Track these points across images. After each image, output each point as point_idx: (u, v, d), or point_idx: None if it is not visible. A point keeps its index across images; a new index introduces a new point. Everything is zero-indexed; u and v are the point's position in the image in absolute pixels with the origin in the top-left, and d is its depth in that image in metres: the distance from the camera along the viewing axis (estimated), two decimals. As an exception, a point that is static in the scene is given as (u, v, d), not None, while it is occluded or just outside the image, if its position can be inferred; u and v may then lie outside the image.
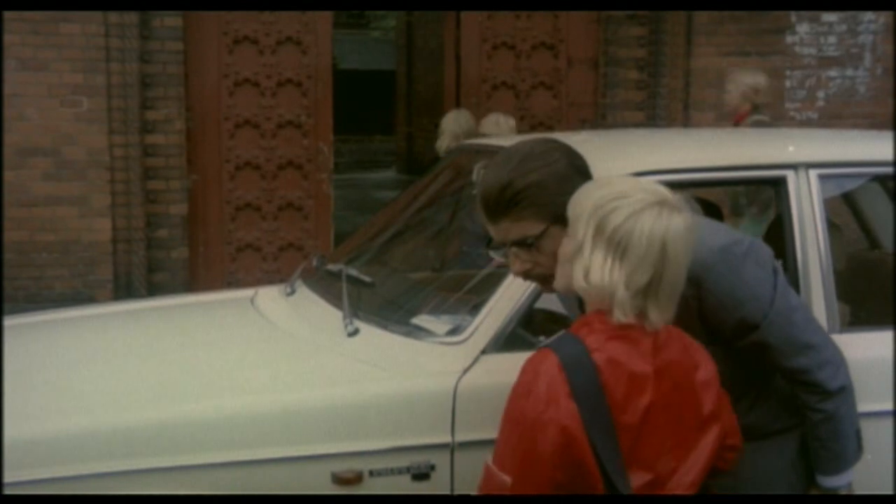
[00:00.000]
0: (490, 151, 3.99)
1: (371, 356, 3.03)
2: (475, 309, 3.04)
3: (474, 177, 3.94)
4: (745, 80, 6.05)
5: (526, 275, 2.35)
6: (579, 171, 2.31)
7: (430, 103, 12.82)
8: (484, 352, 2.94)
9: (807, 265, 3.13)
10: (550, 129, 7.71)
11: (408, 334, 3.09)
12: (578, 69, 7.78)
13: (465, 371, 2.90)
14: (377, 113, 8.74)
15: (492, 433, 2.80)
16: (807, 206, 3.17)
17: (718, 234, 2.46)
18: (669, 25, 7.49)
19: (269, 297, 3.86)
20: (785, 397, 2.58)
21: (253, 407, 2.84)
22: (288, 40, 7.29)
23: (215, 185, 7.25)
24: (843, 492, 2.60)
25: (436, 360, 2.95)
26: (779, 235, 3.38)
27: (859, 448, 2.61)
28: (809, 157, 3.26)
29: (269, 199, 7.35)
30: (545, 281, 2.31)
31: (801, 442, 2.60)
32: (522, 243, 2.28)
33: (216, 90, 7.19)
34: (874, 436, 3.06)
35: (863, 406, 3.00)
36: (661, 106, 7.59)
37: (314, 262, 3.98)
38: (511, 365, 2.89)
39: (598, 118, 7.77)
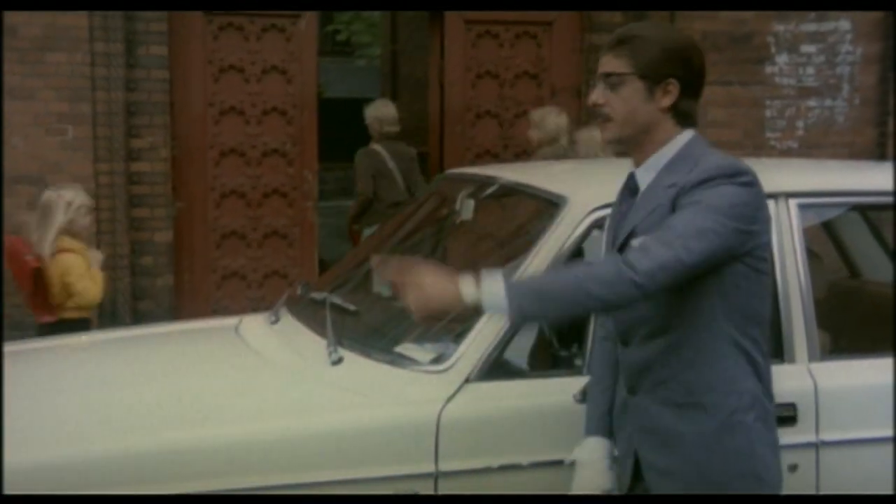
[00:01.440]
0: (474, 181, 4.04)
1: (355, 384, 3.05)
2: (459, 337, 3.08)
3: (458, 205, 3.99)
4: (555, 120, 6.52)
5: (594, 105, 2.57)
6: (691, 68, 2.50)
7: (414, 131, 12.84)
8: (468, 380, 2.97)
9: (787, 293, 3.19)
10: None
11: (391, 362, 3.12)
12: (562, 98, 7.79)
13: (449, 400, 2.93)
14: (362, 140, 8.80)
15: (476, 462, 2.88)
16: (787, 235, 3.24)
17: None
18: (652, 55, 7.54)
19: (253, 325, 3.88)
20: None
21: (236, 436, 2.85)
22: (273, 69, 7.32)
23: (200, 213, 7.26)
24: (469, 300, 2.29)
25: (419, 389, 2.98)
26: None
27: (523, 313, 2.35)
28: (789, 187, 3.33)
29: (255, 227, 7.37)
30: (606, 120, 2.55)
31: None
32: (607, 77, 2.52)
33: (202, 118, 7.22)
34: (850, 463, 3.10)
35: (848, 434, 3.06)
36: (644, 134, 7.62)
37: (298, 290, 4.02)
38: (495, 393, 2.96)
39: (580, 147, 7.79)
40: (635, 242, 2.45)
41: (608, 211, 3.08)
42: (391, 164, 7.43)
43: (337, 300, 3.60)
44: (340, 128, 8.94)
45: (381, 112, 7.59)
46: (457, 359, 3.01)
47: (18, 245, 5.18)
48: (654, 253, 2.30)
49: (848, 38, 7.70)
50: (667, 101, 2.49)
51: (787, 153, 7.50)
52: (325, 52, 17.65)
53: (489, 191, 3.86)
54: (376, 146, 7.51)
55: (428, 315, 2.34)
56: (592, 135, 6.40)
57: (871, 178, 3.79)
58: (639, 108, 2.50)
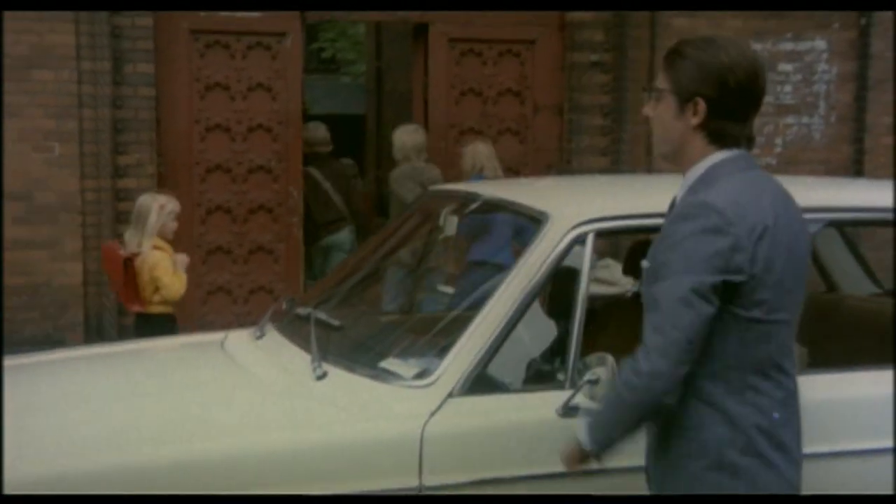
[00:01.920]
0: (457, 197, 4.09)
1: (339, 399, 3.07)
2: (442, 352, 3.10)
3: (441, 221, 4.05)
4: (402, 138, 6.77)
5: (646, 115, 2.62)
6: (725, 88, 2.45)
7: (399, 147, 12.91)
8: (451, 395, 2.99)
9: None
10: (517, 173, 7.78)
11: (375, 377, 3.14)
12: (544, 115, 7.89)
13: (433, 414, 2.95)
14: (347, 156, 8.89)
15: (459, 477, 2.89)
16: None
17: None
18: (632, 73, 7.63)
19: (238, 340, 3.89)
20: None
21: (221, 451, 2.87)
22: (259, 86, 7.37)
23: (186, 229, 7.25)
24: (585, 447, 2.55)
25: (403, 404, 3.00)
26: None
27: (597, 442, 2.53)
28: None
29: (240, 243, 7.41)
30: (655, 128, 2.60)
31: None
32: (653, 89, 2.55)
33: (188, 135, 7.27)
34: (824, 476, 3.15)
35: (824, 446, 3.10)
36: (625, 151, 7.71)
37: (283, 306, 4.04)
38: (478, 408, 2.99)
39: (564, 163, 7.87)
40: (644, 263, 2.53)
41: (590, 227, 3.19)
42: (325, 185, 7.67)
43: (321, 315, 3.61)
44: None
45: (310, 134, 7.83)
46: (440, 374, 3.03)
47: (114, 247, 5.70)
48: (652, 345, 2.37)
49: (824, 56, 7.79)
50: (695, 120, 2.48)
51: (765, 169, 7.50)
52: (311, 70, 17.71)
53: (472, 207, 3.92)
54: (310, 168, 7.73)
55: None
56: (478, 148, 6.65)
57: (847, 194, 3.86)
58: (671, 124, 2.52)
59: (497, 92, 7.86)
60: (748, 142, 2.54)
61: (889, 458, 3.14)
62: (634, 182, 5.17)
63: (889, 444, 3.14)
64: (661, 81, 2.53)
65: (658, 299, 2.39)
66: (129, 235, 5.58)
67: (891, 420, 3.15)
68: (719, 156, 2.49)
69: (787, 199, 2.54)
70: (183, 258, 5.63)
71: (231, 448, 2.88)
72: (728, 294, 2.39)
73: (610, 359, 2.89)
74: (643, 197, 3.74)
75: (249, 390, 3.37)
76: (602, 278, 4.37)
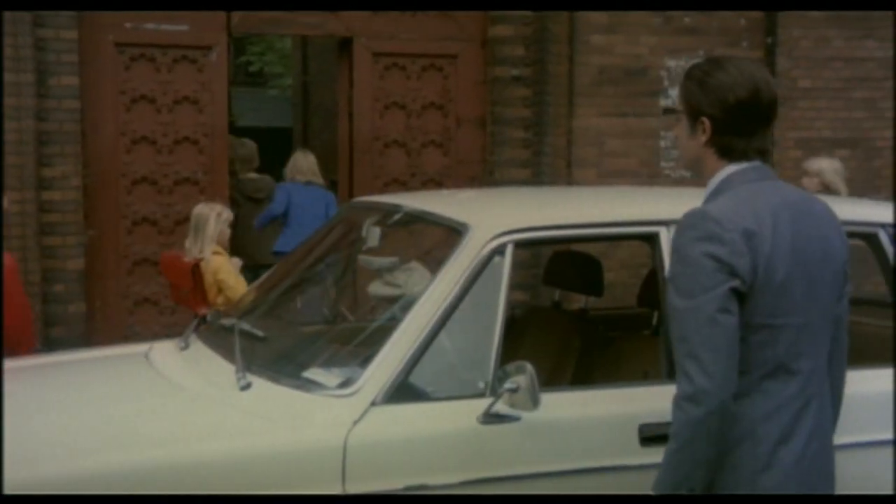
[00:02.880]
0: (380, 209, 4.17)
1: (263, 409, 3.09)
2: (365, 362, 3.13)
3: (364, 233, 4.13)
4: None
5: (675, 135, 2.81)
6: (725, 106, 2.60)
7: (325, 159, 12.96)
8: (374, 404, 3.02)
9: None
10: (440, 185, 7.89)
11: (299, 387, 3.16)
12: (467, 128, 8.00)
13: (356, 423, 2.97)
14: (275, 168, 8.93)
15: (382, 485, 2.91)
16: None
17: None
18: (552, 87, 7.76)
19: (163, 351, 3.88)
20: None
21: (144, 461, 2.87)
22: (185, 99, 7.39)
23: (112, 241, 7.29)
24: None
25: (326, 413, 3.02)
26: (653, 287, 3.63)
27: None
28: (680, 214, 3.53)
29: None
30: (678, 147, 2.84)
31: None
32: (673, 111, 2.74)
33: (113, 147, 7.25)
34: None
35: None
36: (546, 163, 7.82)
37: (208, 317, 4.05)
38: (401, 416, 3.02)
39: (487, 175, 7.97)
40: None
41: (510, 238, 3.27)
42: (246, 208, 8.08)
43: (246, 326, 3.64)
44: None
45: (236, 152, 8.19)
46: (363, 383, 3.06)
47: (177, 255, 5.99)
48: (692, 370, 2.46)
49: (735, 73, 7.99)
50: (703, 138, 2.62)
51: (680, 182, 7.69)
52: (238, 83, 17.67)
53: (395, 218, 3.96)
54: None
55: None
56: (309, 161, 7.62)
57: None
58: (686, 143, 2.70)
59: (421, 105, 7.95)
60: (761, 154, 2.66)
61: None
62: (554, 194, 5.25)
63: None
64: (678, 103, 2.70)
65: (684, 325, 2.48)
66: (190, 243, 5.90)
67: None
68: (730, 168, 2.62)
69: (799, 207, 2.64)
70: (237, 261, 5.94)
71: (155, 459, 2.88)
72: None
73: (529, 367, 2.97)
74: (562, 208, 3.88)
75: (174, 401, 3.37)
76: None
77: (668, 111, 2.84)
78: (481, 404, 3.07)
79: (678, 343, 2.52)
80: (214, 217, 5.94)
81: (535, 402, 2.98)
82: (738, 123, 2.60)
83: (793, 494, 2.56)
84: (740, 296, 2.49)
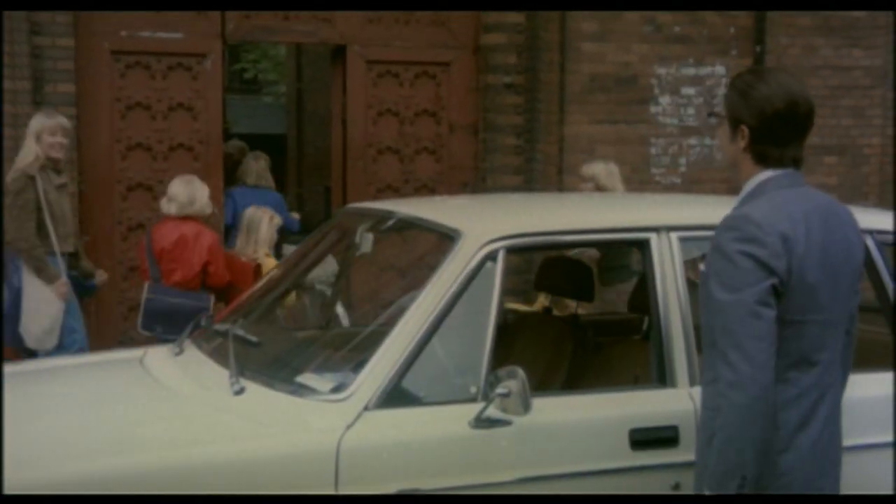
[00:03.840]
0: (373, 215, 4.21)
1: (256, 414, 3.11)
2: (358, 367, 3.15)
3: (357, 239, 4.16)
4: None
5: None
6: (763, 115, 2.78)
7: (319, 166, 13.00)
8: (367, 408, 3.04)
9: (668, 320, 3.37)
10: (433, 191, 7.93)
11: (292, 392, 3.18)
12: (459, 135, 8.03)
13: (349, 428, 2.99)
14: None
15: (375, 489, 2.93)
16: (668, 266, 3.42)
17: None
18: (544, 94, 7.80)
19: (157, 356, 3.90)
20: None
21: (139, 466, 2.88)
22: (179, 106, 7.42)
23: (107, 246, 7.29)
24: None
25: (319, 418, 3.04)
26: (643, 293, 3.64)
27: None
28: (671, 221, 3.53)
29: (161, 261, 7.44)
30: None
31: None
32: (718, 115, 2.92)
33: (108, 154, 7.28)
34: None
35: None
36: (538, 170, 7.86)
37: (203, 322, 4.05)
38: (394, 421, 3.04)
39: (479, 181, 8.01)
40: (701, 267, 2.84)
41: (502, 244, 3.31)
42: None
43: (240, 332, 3.64)
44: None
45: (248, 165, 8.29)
46: (356, 388, 3.07)
47: (229, 255, 6.30)
48: (734, 358, 2.59)
49: (723, 81, 7.98)
50: (742, 144, 2.81)
51: (670, 188, 7.75)
52: (233, 90, 17.70)
53: (387, 224, 3.98)
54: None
55: None
56: (259, 164, 7.80)
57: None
58: (727, 147, 2.89)
59: (414, 112, 7.98)
60: (794, 162, 2.82)
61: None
62: (546, 200, 5.26)
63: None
64: (722, 110, 2.88)
65: (728, 316, 2.62)
66: (243, 244, 6.28)
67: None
68: (765, 174, 2.80)
69: (827, 211, 2.82)
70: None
71: (150, 464, 2.89)
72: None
73: (520, 372, 3.00)
74: (554, 215, 3.89)
75: (168, 406, 3.38)
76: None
77: (712, 115, 3.01)
78: (473, 409, 3.10)
79: (721, 334, 2.64)
80: (267, 221, 6.30)
81: (526, 407, 3.01)
82: (775, 133, 2.78)
83: (793, 494, 2.69)
84: (777, 294, 2.65)
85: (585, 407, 3.34)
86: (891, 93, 8.36)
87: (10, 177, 5.80)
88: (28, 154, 5.76)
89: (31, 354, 5.74)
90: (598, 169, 6.63)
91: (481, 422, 3.09)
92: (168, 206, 6.13)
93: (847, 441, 2.91)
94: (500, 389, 3.02)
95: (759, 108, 2.76)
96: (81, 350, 5.83)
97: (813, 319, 2.71)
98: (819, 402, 2.74)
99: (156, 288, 6.10)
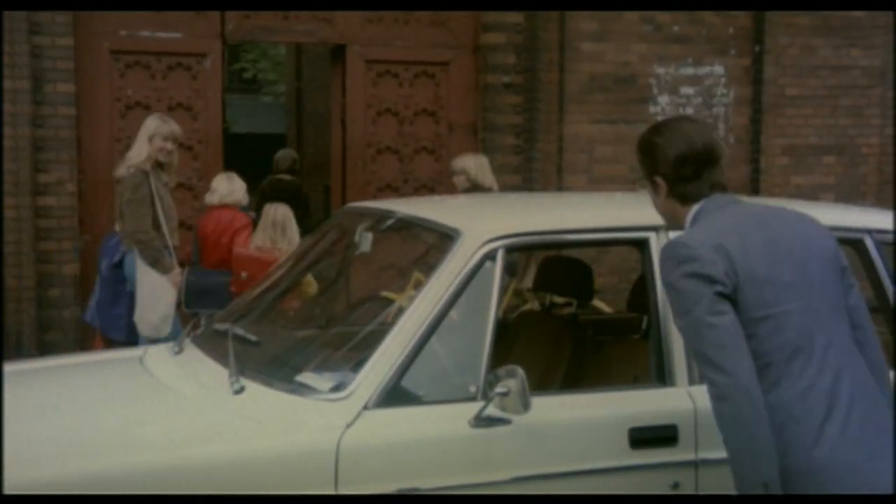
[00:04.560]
0: (373, 214, 4.21)
1: (256, 413, 3.09)
2: (358, 366, 3.14)
3: (357, 238, 4.16)
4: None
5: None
6: (665, 160, 2.92)
7: (318, 165, 12.99)
8: (366, 407, 3.03)
9: (668, 319, 3.33)
10: (433, 191, 7.95)
11: (292, 391, 3.17)
12: (459, 134, 8.05)
13: (348, 427, 2.98)
14: (268, 174, 8.98)
15: (374, 488, 2.92)
16: None
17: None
18: (543, 94, 7.82)
19: (157, 355, 3.88)
20: None
21: (140, 465, 2.87)
22: (179, 106, 7.44)
23: (106, 247, 7.32)
24: None
25: (319, 417, 3.03)
26: (642, 292, 3.64)
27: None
28: None
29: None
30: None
31: None
32: (637, 180, 3.09)
33: (108, 153, 7.28)
34: (727, 480, 3.28)
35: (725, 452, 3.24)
36: (537, 170, 7.88)
37: (202, 321, 4.06)
38: (393, 420, 3.03)
39: (479, 181, 8.03)
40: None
41: (501, 243, 3.31)
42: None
43: (239, 331, 3.63)
44: (246, 162, 9.13)
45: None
46: (355, 387, 3.06)
47: (261, 255, 6.46)
48: (710, 374, 2.67)
49: (722, 81, 8.06)
50: (664, 193, 2.95)
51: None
52: (232, 90, 17.69)
53: (387, 224, 3.98)
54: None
55: None
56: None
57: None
58: (658, 203, 3.01)
59: (413, 112, 8.01)
60: (714, 188, 2.91)
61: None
62: (545, 200, 5.28)
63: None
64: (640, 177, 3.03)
65: (691, 338, 2.74)
66: (277, 240, 6.51)
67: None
68: (694, 208, 2.91)
69: (763, 214, 2.93)
70: None
71: (150, 463, 2.89)
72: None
73: (520, 371, 2.99)
74: (553, 214, 3.89)
75: (168, 405, 3.36)
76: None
77: (637, 181, 3.12)
78: (473, 408, 3.09)
79: (696, 358, 2.76)
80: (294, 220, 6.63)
81: (525, 406, 3.01)
82: (683, 173, 2.89)
83: (793, 494, 2.68)
84: (729, 297, 2.70)
85: (585, 406, 3.33)
86: (890, 92, 8.37)
87: (120, 171, 6.19)
88: (141, 152, 6.08)
89: (123, 344, 5.94)
90: (469, 163, 6.82)
91: (481, 421, 3.08)
92: (211, 198, 6.83)
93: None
94: (499, 388, 3.01)
95: (662, 157, 2.90)
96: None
97: (787, 310, 2.74)
98: (835, 387, 2.73)
99: (194, 270, 6.63)
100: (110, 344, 6.13)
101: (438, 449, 3.08)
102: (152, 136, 6.10)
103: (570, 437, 3.22)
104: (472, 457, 3.10)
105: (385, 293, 4.51)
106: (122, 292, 6.22)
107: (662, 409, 3.30)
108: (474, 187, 6.77)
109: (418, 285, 4.48)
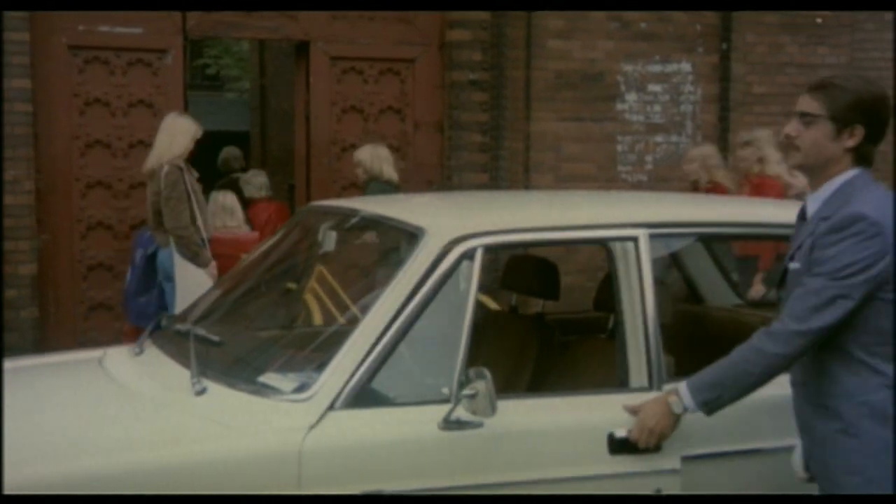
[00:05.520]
0: (337, 213, 4.16)
1: (218, 414, 3.06)
2: (321, 366, 3.11)
3: (320, 237, 4.11)
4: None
5: (788, 137, 2.96)
6: (878, 118, 2.91)
7: (283, 163, 12.90)
8: (332, 408, 3.00)
9: (635, 319, 3.34)
10: (398, 188, 7.91)
11: (255, 392, 3.14)
12: (424, 132, 8.01)
13: (312, 428, 2.96)
14: (224, 172, 9.02)
15: (339, 489, 2.89)
16: (634, 264, 3.40)
17: None
18: (510, 92, 7.80)
19: (117, 357, 3.85)
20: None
21: (100, 468, 2.84)
22: (140, 103, 7.34)
23: (66, 245, 7.21)
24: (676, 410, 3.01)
25: (282, 418, 3.00)
26: (610, 291, 3.59)
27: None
28: (640, 219, 3.50)
29: (122, 259, 7.33)
30: (794, 149, 2.95)
31: None
32: (803, 115, 2.92)
33: (66, 151, 7.18)
34: (716, 474, 3.26)
35: (706, 448, 3.22)
36: (504, 168, 7.86)
37: (163, 322, 4.01)
38: (359, 422, 3.00)
39: (445, 179, 7.99)
40: (792, 266, 2.93)
41: (467, 242, 3.27)
42: None
43: (201, 331, 3.60)
44: (210, 159, 9.04)
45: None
46: (319, 387, 3.04)
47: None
48: (792, 317, 2.80)
49: (689, 79, 8.08)
50: (851, 143, 2.88)
51: (637, 186, 7.77)
52: (195, 86, 17.53)
53: (351, 223, 3.96)
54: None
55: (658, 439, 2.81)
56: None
57: (714, 210, 4.02)
58: (825, 145, 2.89)
59: (378, 109, 7.96)
60: (872, 163, 2.96)
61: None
62: (511, 198, 5.26)
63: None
64: (815, 108, 2.90)
65: (808, 291, 2.80)
66: (221, 223, 6.67)
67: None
68: (853, 172, 2.91)
69: None
70: None
71: (111, 465, 2.85)
72: (873, 286, 2.79)
73: (487, 373, 2.95)
74: (519, 212, 3.86)
75: (128, 407, 3.32)
76: None
77: (805, 114, 2.95)
78: (442, 410, 3.05)
79: (797, 294, 2.88)
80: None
81: (493, 409, 2.97)
82: (881, 135, 2.92)
83: (793, 494, 2.83)
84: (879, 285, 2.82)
85: (561, 410, 3.28)
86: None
87: (150, 166, 6.38)
88: (173, 149, 6.32)
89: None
90: (364, 155, 6.99)
91: (450, 423, 3.03)
92: (258, 193, 7.94)
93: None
94: (467, 391, 2.97)
95: (875, 110, 2.88)
96: None
97: None
98: None
99: None
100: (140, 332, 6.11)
101: (404, 451, 3.04)
102: (190, 135, 6.40)
103: (545, 443, 3.16)
104: (440, 460, 3.05)
105: (290, 285, 4.49)
106: (152, 282, 6.45)
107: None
108: (372, 180, 6.94)
109: (320, 279, 4.46)
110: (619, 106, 7.89)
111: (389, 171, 6.99)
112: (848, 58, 8.37)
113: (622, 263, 3.41)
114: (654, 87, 7.99)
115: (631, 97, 7.92)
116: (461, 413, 3.01)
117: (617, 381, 3.41)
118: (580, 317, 5.01)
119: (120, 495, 2.74)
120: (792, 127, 2.96)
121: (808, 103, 2.93)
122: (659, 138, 7.98)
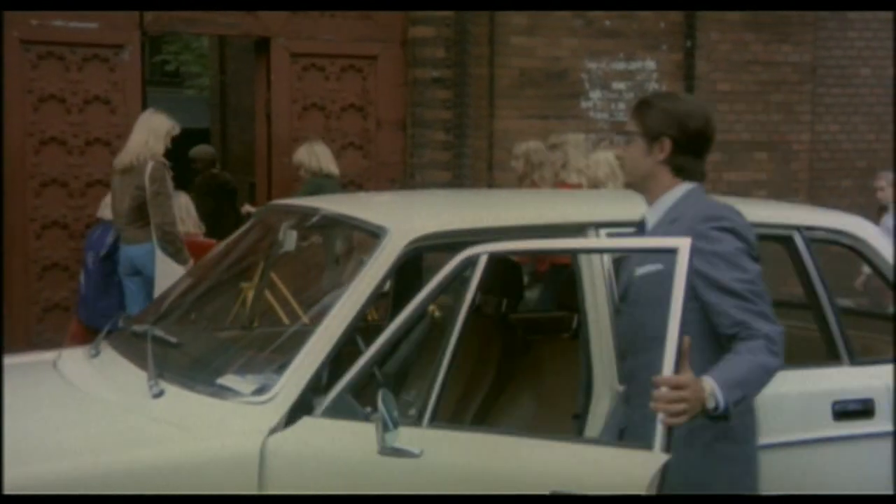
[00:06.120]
0: (298, 211, 4.09)
1: (176, 417, 3.01)
2: (281, 368, 3.06)
3: (281, 236, 4.04)
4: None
5: (618, 158, 3.15)
6: (686, 129, 2.96)
7: (243, 161, 12.80)
8: (293, 411, 2.93)
9: (598, 318, 3.30)
10: (361, 187, 7.85)
11: (214, 394, 3.09)
12: (387, 130, 7.97)
13: (272, 431, 2.90)
14: (190, 169, 8.84)
15: (301, 491, 2.84)
16: (597, 263, 3.36)
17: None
18: (473, 89, 7.80)
19: (71, 359, 3.78)
20: None
21: (54, 472, 2.79)
22: (96, 99, 7.25)
23: (20, 245, 7.11)
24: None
25: (242, 420, 2.95)
26: (572, 291, 3.56)
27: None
28: (599, 217, 3.48)
29: (78, 258, 7.23)
30: (626, 165, 3.13)
31: None
32: (626, 134, 3.07)
33: (20, 148, 7.07)
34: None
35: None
36: (467, 166, 7.85)
37: (120, 323, 3.95)
38: (321, 424, 2.93)
39: (407, 177, 7.95)
40: (641, 271, 2.91)
41: (428, 242, 3.24)
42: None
43: (159, 332, 3.54)
44: (170, 157, 8.96)
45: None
46: (279, 389, 2.98)
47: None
48: (766, 321, 2.77)
49: (654, 76, 8.12)
50: (662, 156, 2.94)
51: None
52: (154, 83, 17.39)
53: (312, 221, 3.91)
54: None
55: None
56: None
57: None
58: (640, 161, 2.99)
59: (340, 107, 7.91)
60: (702, 176, 3.03)
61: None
62: (474, 197, 5.24)
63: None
64: (631, 126, 3.01)
65: (752, 293, 2.79)
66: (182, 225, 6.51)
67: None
68: (685, 187, 2.97)
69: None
70: None
71: (66, 470, 2.80)
72: None
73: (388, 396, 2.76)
74: (482, 212, 3.81)
75: (83, 410, 3.27)
76: None
77: (626, 135, 3.08)
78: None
79: (747, 315, 2.83)
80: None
81: (385, 442, 2.75)
82: (695, 147, 2.97)
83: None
84: None
85: (507, 452, 2.86)
86: (819, 89, 8.48)
87: (124, 162, 6.23)
88: (156, 146, 6.25)
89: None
90: (302, 155, 7.03)
91: (385, 449, 2.79)
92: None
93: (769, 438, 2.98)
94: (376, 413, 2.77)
95: (683, 122, 2.93)
96: None
97: None
98: None
99: None
100: (88, 332, 6.11)
101: (367, 456, 2.87)
102: (168, 133, 6.32)
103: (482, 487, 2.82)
104: (377, 484, 2.87)
105: (249, 284, 4.48)
106: (111, 284, 6.36)
107: (583, 472, 2.74)
108: (314, 177, 6.96)
109: (280, 278, 4.39)
110: (584, 104, 7.92)
111: (329, 165, 7.01)
112: (811, 55, 8.44)
113: (585, 262, 3.37)
114: (619, 85, 8.03)
115: (595, 94, 7.95)
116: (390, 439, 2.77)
117: (581, 379, 3.35)
118: (544, 316, 4.99)
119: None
120: (620, 148, 3.02)
121: (629, 123, 3.04)
122: (623, 136, 7.97)
